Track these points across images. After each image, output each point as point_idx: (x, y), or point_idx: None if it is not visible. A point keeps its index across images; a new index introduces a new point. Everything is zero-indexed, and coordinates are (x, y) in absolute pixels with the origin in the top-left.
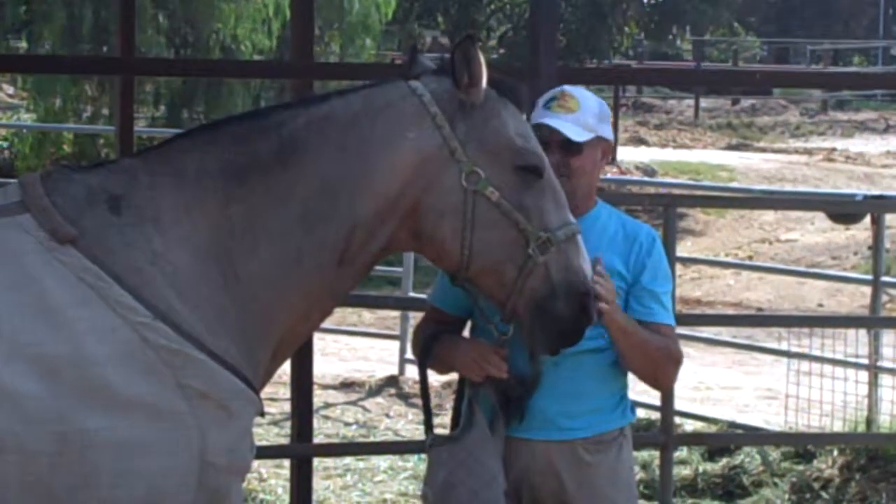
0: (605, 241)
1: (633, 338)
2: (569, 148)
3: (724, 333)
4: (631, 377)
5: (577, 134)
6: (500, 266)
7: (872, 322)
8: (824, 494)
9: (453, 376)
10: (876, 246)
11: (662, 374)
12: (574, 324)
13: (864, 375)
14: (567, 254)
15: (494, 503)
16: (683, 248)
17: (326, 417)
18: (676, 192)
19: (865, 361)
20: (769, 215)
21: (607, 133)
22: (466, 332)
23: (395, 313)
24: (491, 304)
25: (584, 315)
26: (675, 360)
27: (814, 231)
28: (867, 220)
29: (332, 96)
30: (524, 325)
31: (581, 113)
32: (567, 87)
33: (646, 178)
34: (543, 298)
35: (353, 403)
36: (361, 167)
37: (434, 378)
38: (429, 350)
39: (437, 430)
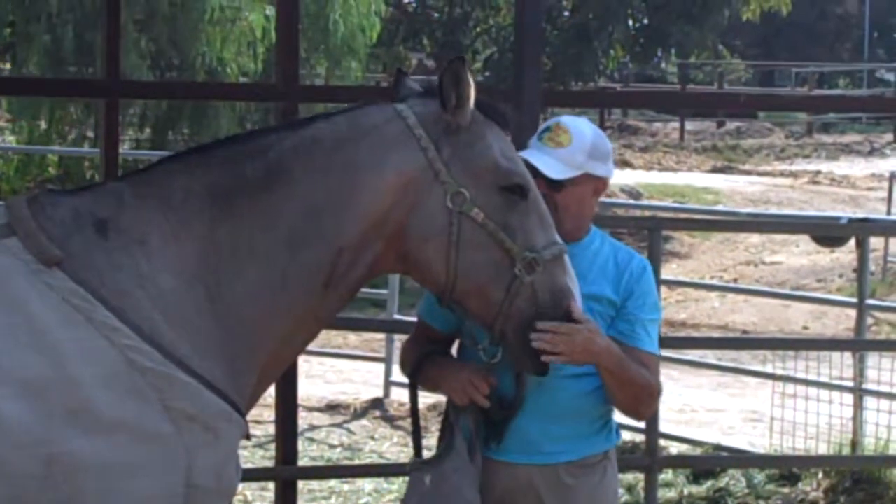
0: (595, 268)
1: (621, 376)
2: (551, 184)
3: (709, 356)
4: None
5: (556, 171)
6: (487, 287)
7: (857, 345)
8: None
9: (438, 398)
10: (861, 269)
11: (642, 408)
12: None
13: (848, 398)
14: (553, 274)
15: None
16: (668, 271)
17: (311, 440)
18: (662, 214)
19: (850, 384)
20: (754, 238)
21: (600, 170)
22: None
23: (381, 336)
24: (478, 326)
25: None
26: (656, 395)
27: (799, 254)
28: (852, 242)
29: (318, 119)
30: (511, 345)
31: (570, 149)
32: (564, 120)
33: (631, 201)
34: (531, 319)
35: (338, 426)
36: (346, 190)
37: (419, 400)
38: (419, 370)
39: (425, 452)
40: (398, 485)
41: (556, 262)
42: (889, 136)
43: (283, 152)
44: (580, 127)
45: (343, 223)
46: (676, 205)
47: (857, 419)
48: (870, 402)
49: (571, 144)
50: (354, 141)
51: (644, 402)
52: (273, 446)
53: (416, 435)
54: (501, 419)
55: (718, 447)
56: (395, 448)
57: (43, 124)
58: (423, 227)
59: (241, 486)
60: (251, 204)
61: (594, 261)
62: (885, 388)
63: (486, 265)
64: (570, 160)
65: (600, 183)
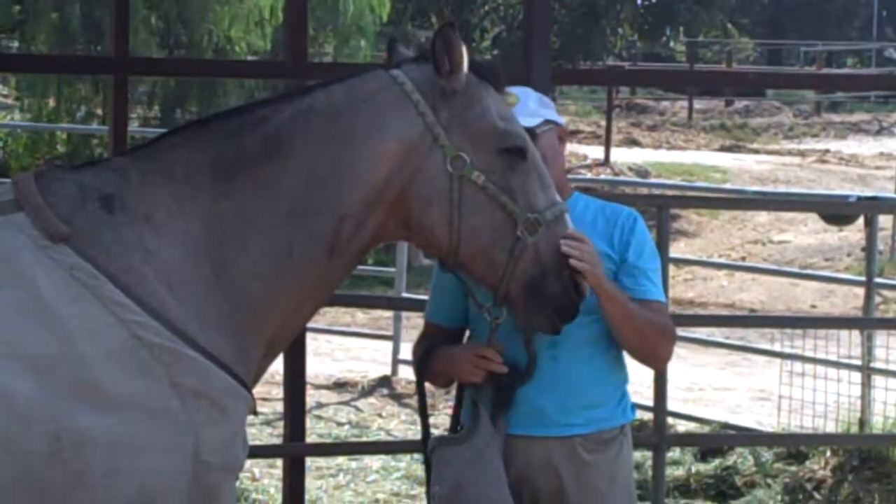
0: (585, 225)
1: (622, 307)
2: None
3: (716, 334)
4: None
5: (525, 121)
6: (490, 249)
7: (865, 323)
8: (817, 495)
9: None
10: (869, 247)
11: (655, 348)
12: (568, 301)
13: (856, 376)
14: (556, 233)
15: (503, 503)
16: (676, 250)
17: (319, 417)
18: (670, 193)
19: (858, 362)
20: (762, 216)
21: (554, 116)
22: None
23: (388, 314)
24: (483, 289)
25: (577, 291)
26: (669, 335)
27: (807, 232)
28: (860, 221)
29: (315, 89)
30: (518, 306)
31: (521, 104)
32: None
33: (639, 179)
34: (535, 279)
35: (346, 403)
36: (346, 158)
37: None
38: (425, 366)
39: (433, 431)
40: (406, 462)
41: (557, 221)
42: None
43: (282, 123)
44: (521, 88)
45: (344, 191)
46: (684, 183)
47: (865, 398)
48: (878, 380)
49: (520, 101)
50: (352, 109)
51: (654, 340)
52: (281, 423)
53: (425, 428)
54: (519, 384)
55: (726, 425)
56: (403, 426)
57: (51, 102)
58: (424, 193)
59: (248, 463)
60: (252, 176)
61: (583, 218)
62: (893, 367)
63: (489, 228)
64: (527, 111)
65: (560, 130)
